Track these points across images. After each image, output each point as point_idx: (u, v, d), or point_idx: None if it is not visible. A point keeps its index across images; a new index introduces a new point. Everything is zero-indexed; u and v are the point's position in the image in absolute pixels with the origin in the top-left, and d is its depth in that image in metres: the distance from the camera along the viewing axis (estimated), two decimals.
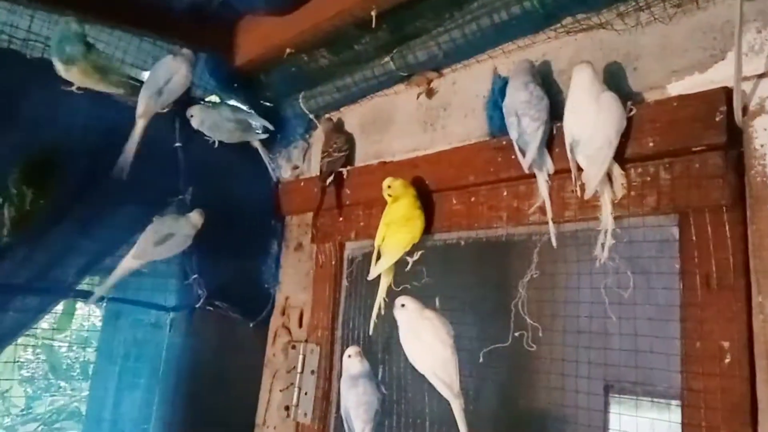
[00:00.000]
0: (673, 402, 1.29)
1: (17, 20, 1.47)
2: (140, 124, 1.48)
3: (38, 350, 3.48)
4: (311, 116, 1.76)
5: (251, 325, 1.72)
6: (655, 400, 1.65)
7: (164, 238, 1.49)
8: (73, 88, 1.45)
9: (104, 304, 1.66)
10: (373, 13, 1.36)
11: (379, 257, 1.33)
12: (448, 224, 1.36)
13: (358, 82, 1.59)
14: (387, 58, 1.48)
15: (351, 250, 1.62)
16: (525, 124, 1.14)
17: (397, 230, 1.31)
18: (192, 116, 1.60)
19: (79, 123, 1.44)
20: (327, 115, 1.74)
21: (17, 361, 3.46)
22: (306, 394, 1.58)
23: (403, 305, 1.21)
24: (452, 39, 1.36)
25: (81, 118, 1.45)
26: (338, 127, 1.72)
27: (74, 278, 1.49)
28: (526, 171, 1.16)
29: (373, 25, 1.37)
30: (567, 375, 1.17)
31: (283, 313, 1.76)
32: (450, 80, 1.47)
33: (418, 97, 1.52)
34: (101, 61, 1.47)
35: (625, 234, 1.06)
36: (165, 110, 1.55)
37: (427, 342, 1.19)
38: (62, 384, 3.74)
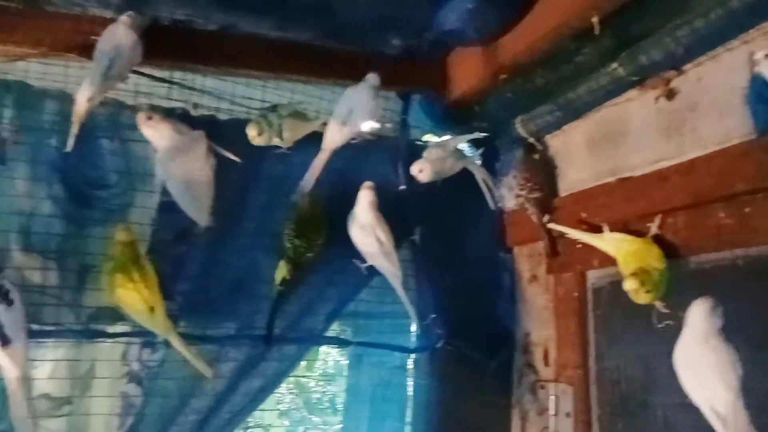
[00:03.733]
0: None
1: (252, 92, 1.60)
2: (323, 156, 1.50)
3: (291, 386, 3.79)
4: (531, 140, 1.67)
5: (493, 364, 1.64)
6: None
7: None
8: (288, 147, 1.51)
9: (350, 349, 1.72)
10: (594, 21, 1.24)
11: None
12: (715, 243, 1.16)
13: (581, 95, 1.47)
14: (614, 65, 1.34)
15: (595, 279, 1.48)
16: None
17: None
18: (421, 171, 1.54)
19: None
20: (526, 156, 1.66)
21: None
22: None
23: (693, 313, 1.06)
24: (693, 30, 1.18)
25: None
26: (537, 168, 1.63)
27: (323, 325, 1.56)
28: None
29: (596, 32, 1.26)
30: None
31: (526, 351, 1.66)
32: (694, 77, 1.28)
33: (656, 101, 1.35)
34: (289, 109, 1.50)
35: None
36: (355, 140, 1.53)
37: (707, 379, 1.02)
38: (314, 418, 3.98)
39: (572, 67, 1.43)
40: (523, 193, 1.61)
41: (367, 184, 1.52)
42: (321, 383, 3.89)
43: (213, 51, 1.46)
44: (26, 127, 1.35)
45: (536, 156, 1.66)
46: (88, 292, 1.36)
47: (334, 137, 1.49)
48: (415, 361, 1.66)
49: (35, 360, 1.29)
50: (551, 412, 1.50)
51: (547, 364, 1.59)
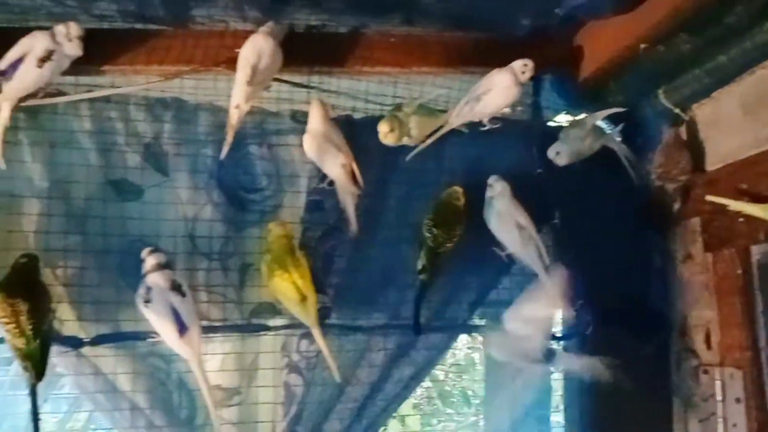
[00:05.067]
0: None
1: (383, 89, 1.63)
2: (444, 129, 1.50)
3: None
4: (677, 110, 1.57)
5: (648, 349, 1.57)
6: None
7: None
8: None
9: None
10: None
11: None
12: None
13: (733, 59, 1.36)
14: None
15: (760, 254, 1.37)
16: None
17: None
18: (558, 153, 1.52)
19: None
20: (670, 128, 1.57)
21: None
22: (735, 425, 1.36)
23: None
24: None
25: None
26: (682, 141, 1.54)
27: (467, 314, 1.57)
28: None
29: None
30: None
31: (684, 334, 1.57)
32: None
33: None
34: (414, 106, 1.49)
35: None
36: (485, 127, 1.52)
37: None
38: (448, 410, 3.98)
39: (721, 29, 1.32)
40: (669, 167, 1.53)
41: (493, 178, 1.52)
42: (451, 375, 3.90)
43: (345, 52, 1.51)
44: (184, 139, 1.46)
45: (682, 127, 1.57)
46: (248, 289, 1.45)
47: (462, 111, 1.49)
48: (565, 349, 1.62)
49: (206, 354, 1.39)
50: (718, 397, 1.41)
51: (709, 347, 1.49)
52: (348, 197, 1.46)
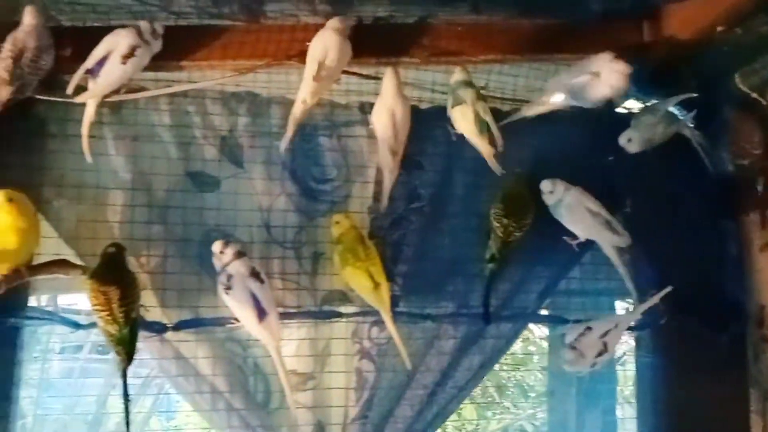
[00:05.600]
0: None
1: (450, 79, 1.63)
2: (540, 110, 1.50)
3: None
4: (754, 95, 1.52)
5: (723, 339, 1.53)
6: None
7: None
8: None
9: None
10: None
11: None
12: None
13: None
14: None
15: None
16: None
17: None
18: (630, 141, 1.51)
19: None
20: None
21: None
22: None
23: None
24: None
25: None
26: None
27: (536, 303, 1.56)
28: None
29: None
30: None
31: (761, 325, 1.53)
32: None
33: None
34: (484, 115, 1.44)
35: None
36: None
37: None
38: (506, 403, 3.95)
39: None
40: (743, 141, 1.49)
41: (546, 183, 1.50)
42: (506, 367, 3.87)
43: (413, 43, 1.52)
44: (258, 132, 1.50)
45: (759, 112, 1.52)
46: (320, 276, 1.48)
47: (551, 96, 1.49)
48: (638, 338, 1.60)
49: (281, 339, 1.42)
50: None
51: None
52: (386, 172, 1.46)
